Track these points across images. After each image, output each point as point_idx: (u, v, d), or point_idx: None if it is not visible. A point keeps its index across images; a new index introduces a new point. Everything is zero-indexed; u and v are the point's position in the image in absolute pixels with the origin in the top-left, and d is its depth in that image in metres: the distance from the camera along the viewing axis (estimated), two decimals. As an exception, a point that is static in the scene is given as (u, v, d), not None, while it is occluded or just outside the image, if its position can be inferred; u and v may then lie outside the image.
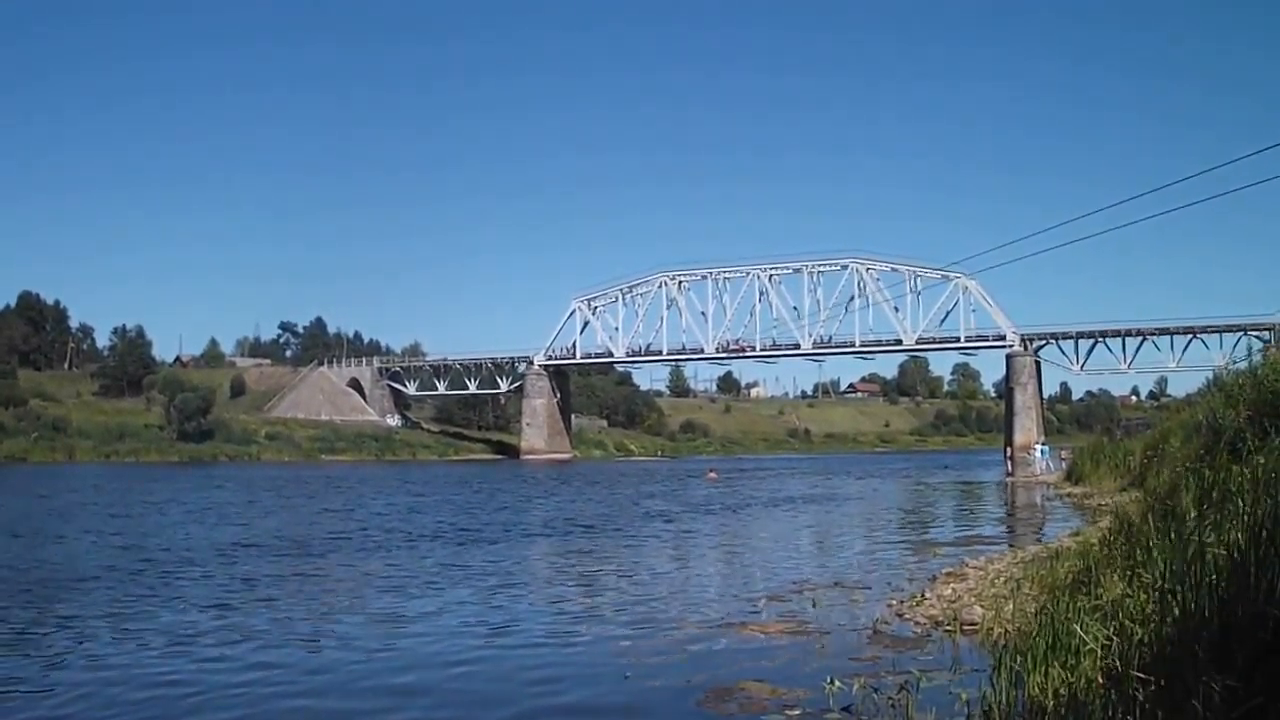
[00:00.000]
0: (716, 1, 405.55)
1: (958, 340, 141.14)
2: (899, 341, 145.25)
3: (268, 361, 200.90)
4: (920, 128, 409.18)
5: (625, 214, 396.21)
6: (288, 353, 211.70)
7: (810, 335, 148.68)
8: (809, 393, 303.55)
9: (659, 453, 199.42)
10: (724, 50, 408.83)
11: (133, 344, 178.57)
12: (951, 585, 21.28)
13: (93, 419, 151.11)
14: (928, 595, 20.43)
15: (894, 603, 20.47)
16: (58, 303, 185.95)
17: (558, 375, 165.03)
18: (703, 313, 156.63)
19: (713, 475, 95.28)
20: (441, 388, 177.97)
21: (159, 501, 56.77)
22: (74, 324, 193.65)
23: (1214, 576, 9.10)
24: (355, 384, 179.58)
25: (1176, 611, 9.20)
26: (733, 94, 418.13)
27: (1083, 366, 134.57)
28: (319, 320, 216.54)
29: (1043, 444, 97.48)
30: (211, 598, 22.42)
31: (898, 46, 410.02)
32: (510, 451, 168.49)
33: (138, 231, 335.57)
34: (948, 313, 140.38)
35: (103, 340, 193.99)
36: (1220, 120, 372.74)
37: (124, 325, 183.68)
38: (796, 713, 12.63)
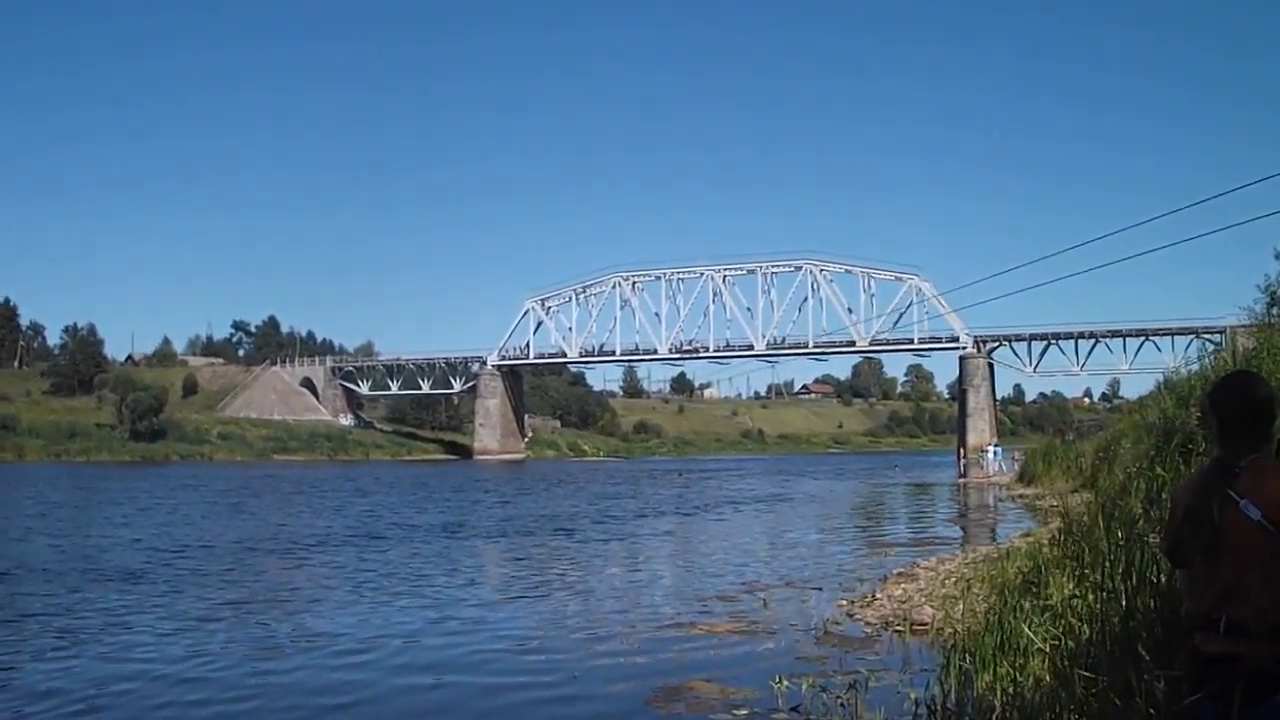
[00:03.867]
0: (668, 3, 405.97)
1: (911, 342, 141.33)
2: (852, 343, 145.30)
3: (220, 360, 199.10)
4: (873, 128, 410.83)
5: (579, 215, 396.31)
6: (240, 352, 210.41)
7: (764, 336, 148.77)
8: (762, 394, 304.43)
9: (598, 452, 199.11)
10: (677, 52, 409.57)
11: (84, 342, 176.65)
12: (902, 585, 21.35)
13: (43, 418, 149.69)
14: (878, 595, 20.50)
15: (844, 603, 20.53)
16: (8, 300, 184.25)
17: (511, 375, 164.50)
18: (656, 313, 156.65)
19: (679, 477, 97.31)
20: (395, 387, 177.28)
21: (113, 502, 56.46)
22: (24, 322, 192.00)
23: (1159, 576, 9.13)
24: (308, 383, 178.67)
25: (1122, 611, 9.22)
26: (686, 96, 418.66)
27: (1035, 368, 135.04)
28: (272, 319, 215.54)
29: (995, 445, 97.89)
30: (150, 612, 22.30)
31: (853, 47, 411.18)
32: (463, 452, 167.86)
33: (89, 230, 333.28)
34: (901, 314, 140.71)
35: (53, 339, 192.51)
36: (1183, 115, 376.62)
37: (75, 324, 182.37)
38: (744, 712, 12.63)
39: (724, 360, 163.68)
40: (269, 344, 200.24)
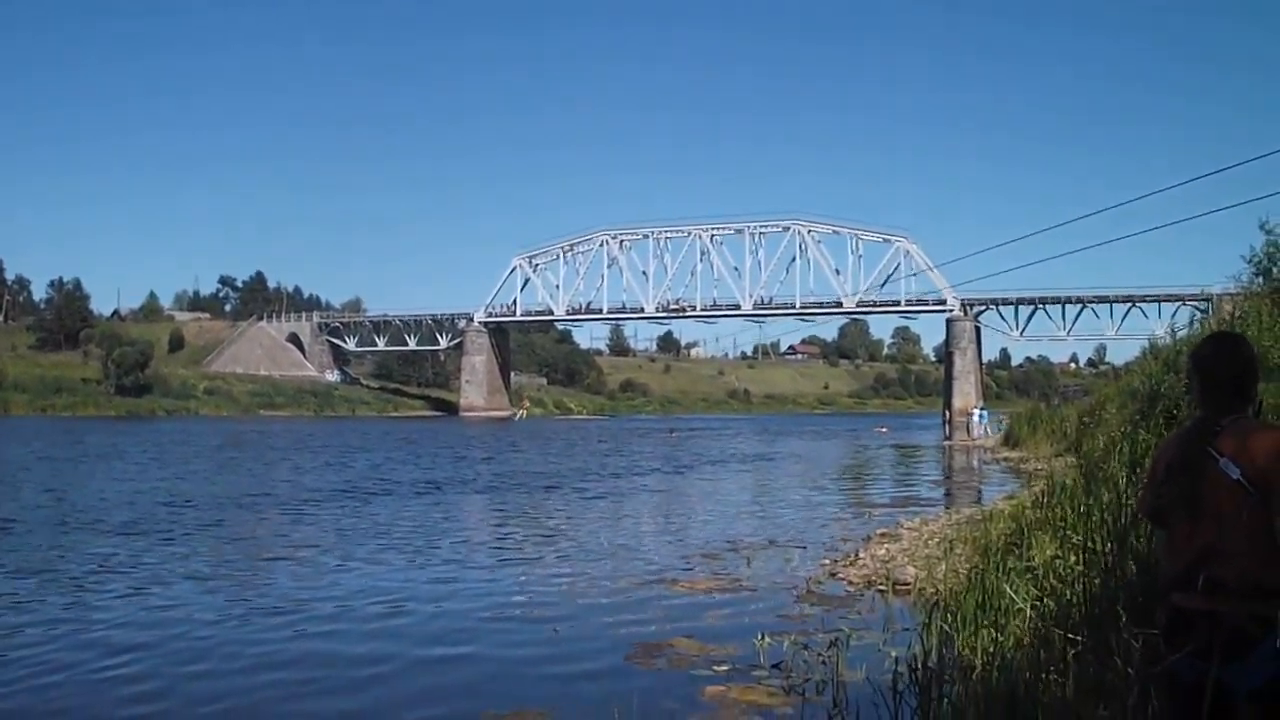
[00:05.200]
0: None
1: (898, 304, 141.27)
2: (839, 304, 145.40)
3: (207, 315, 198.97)
4: (864, 90, 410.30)
5: (567, 173, 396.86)
6: (227, 307, 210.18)
7: (751, 296, 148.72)
8: (749, 353, 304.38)
9: (583, 410, 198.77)
10: (667, 10, 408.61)
11: (70, 297, 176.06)
12: (885, 545, 21.39)
13: (28, 372, 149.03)
14: (861, 555, 20.52)
15: (828, 562, 20.57)
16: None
17: (498, 332, 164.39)
18: (643, 272, 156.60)
19: (674, 435, 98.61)
20: (381, 344, 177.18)
21: (106, 457, 56.42)
22: (9, 276, 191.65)
23: (1140, 539, 9.17)
24: (295, 339, 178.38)
25: (1103, 572, 9.27)
26: (675, 54, 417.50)
27: (1022, 332, 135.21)
28: (259, 274, 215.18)
29: (982, 409, 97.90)
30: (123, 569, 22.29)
31: (846, 9, 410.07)
32: (449, 408, 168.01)
33: (75, 184, 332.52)
34: (888, 276, 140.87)
35: (39, 293, 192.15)
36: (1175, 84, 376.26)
37: (61, 278, 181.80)
38: (725, 668, 12.64)
39: (711, 319, 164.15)
40: (256, 299, 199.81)
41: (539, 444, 77.83)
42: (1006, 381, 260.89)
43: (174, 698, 11.98)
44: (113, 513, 29.45)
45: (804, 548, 23.30)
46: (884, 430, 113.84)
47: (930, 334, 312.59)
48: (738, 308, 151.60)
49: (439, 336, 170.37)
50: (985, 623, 10.75)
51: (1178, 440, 5.28)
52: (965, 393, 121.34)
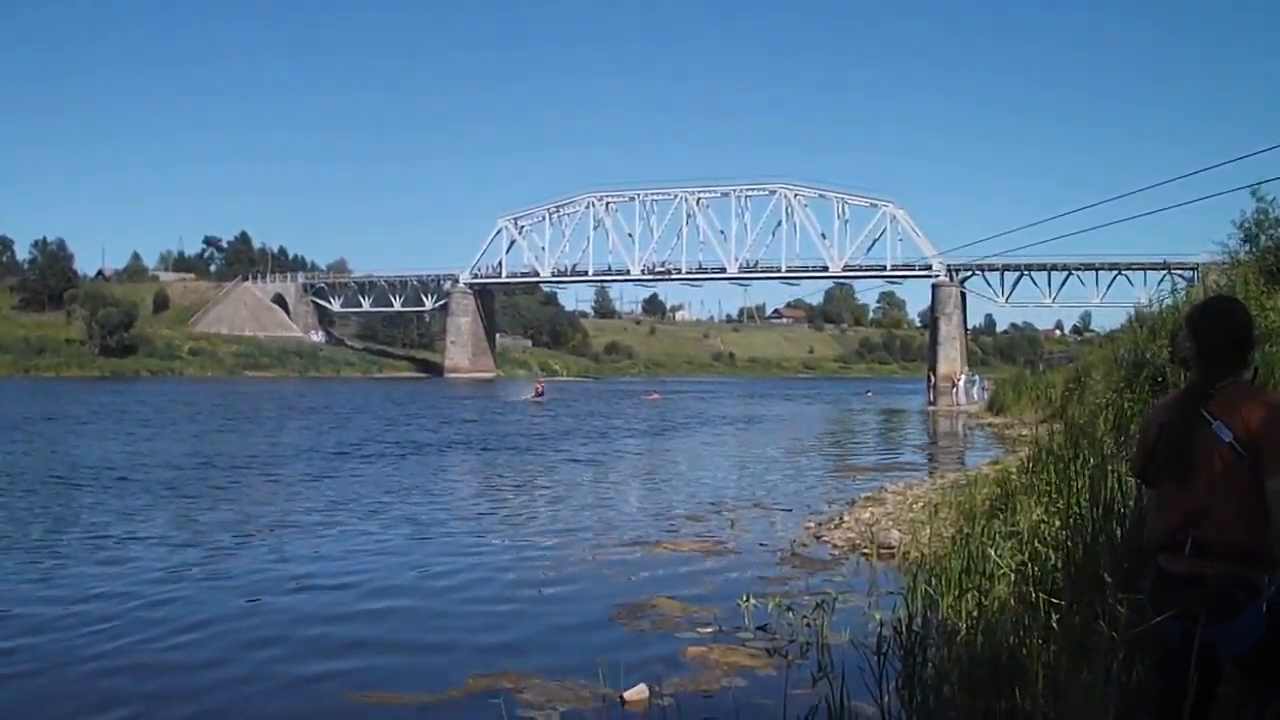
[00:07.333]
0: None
1: (884, 269, 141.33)
2: (825, 268, 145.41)
3: (191, 276, 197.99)
4: (850, 53, 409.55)
5: (554, 134, 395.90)
6: (212, 267, 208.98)
7: (736, 259, 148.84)
8: (734, 317, 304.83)
9: (566, 372, 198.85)
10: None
11: (54, 257, 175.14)
12: (870, 509, 21.37)
13: (12, 333, 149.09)
14: (846, 518, 20.52)
15: (812, 525, 20.55)
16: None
17: (483, 294, 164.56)
18: (629, 234, 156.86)
19: (655, 397, 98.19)
20: (366, 305, 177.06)
21: (103, 417, 56.26)
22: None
23: (1125, 504, 9.17)
24: (280, 300, 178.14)
25: (1088, 537, 9.27)
26: (661, 15, 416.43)
27: (1008, 299, 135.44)
28: (244, 235, 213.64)
29: (968, 374, 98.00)
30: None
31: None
32: (434, 370, 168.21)
33: (59, 143, 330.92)
34: (874, 240, 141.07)
35: (23, 253, 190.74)
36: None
37: (44, 238, 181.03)
38: (709, 630, 12.63)
39: (696, 282, 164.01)
40: (241, 260, 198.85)
41: (523, 406, 77.85)
42: (991, 347, 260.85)
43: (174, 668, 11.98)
44: (132, 475, 29.26)
45: (788, 510, 23.34)
46: (870, 394, 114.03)
47: (916, 299, 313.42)
48: (723, 271, 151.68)
49: (424, 298, 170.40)
50: (970, 586, 10.75)
51: (1172, 403, 5.28)
52: (950, 358, 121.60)
